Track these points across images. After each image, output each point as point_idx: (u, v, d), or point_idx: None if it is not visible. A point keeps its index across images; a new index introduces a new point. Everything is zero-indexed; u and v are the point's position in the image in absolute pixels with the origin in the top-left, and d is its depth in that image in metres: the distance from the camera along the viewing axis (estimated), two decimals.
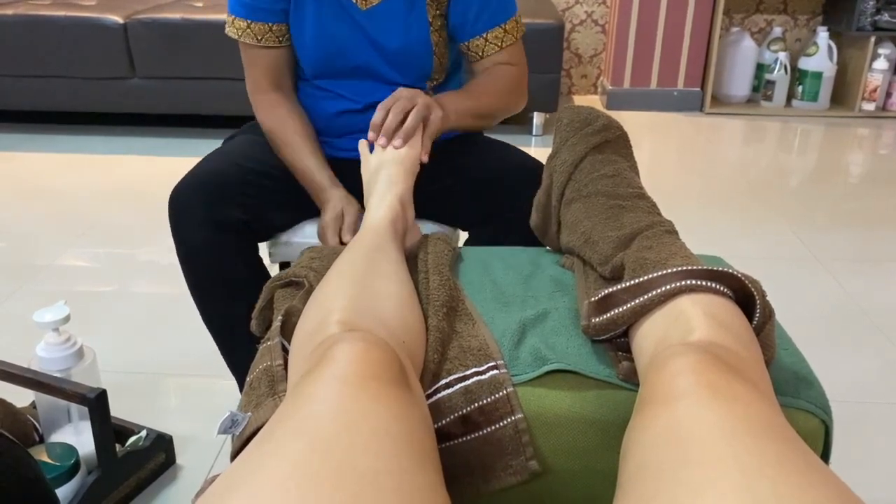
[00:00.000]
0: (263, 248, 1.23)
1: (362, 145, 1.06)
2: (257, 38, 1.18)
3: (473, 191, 1.17)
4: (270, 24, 1.17)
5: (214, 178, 1.12)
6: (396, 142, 1.01)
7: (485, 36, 1.18)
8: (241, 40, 1.19)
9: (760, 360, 0.61)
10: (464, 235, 1.24)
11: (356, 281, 0.72)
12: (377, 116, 1.03)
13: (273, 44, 1.19)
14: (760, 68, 3.54)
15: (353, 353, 0.54)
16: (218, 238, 1.10)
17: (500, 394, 0.67)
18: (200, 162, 1.17)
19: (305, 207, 1.24)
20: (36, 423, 1.21)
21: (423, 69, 1.21)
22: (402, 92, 1.05)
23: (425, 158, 1.03)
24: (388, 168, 1.00)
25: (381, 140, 1.02)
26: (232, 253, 1.11)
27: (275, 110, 1.21)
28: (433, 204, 1.19)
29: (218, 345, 1.22)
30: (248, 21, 1.17)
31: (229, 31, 1.20)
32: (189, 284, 1.15)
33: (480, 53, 1.20)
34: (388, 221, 0.91)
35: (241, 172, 1.14)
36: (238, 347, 1.20)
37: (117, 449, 1.17)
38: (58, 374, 1.13)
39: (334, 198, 1.11)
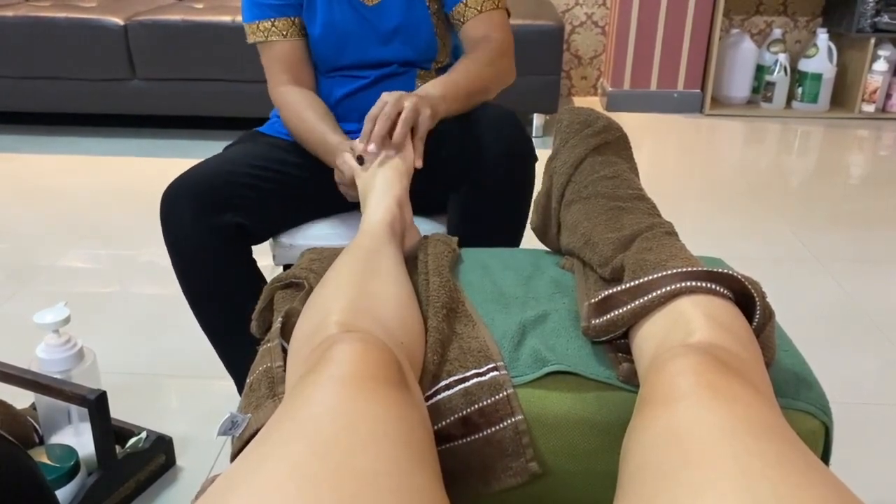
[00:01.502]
0: (265, 250, 1.23)
1: (350, 159, 1.06)
2: (283, 34, 1.23)
3: (456, 145, 1.14)
4: (293, 18, 1.23)
5: (206, 179, 1.12)
6: (389, 151, 1.02)
7: (465, 1, 1.22)
8: (268, 40, 1.24)
9: (760, 362, 0.61)
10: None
11: (354, 282, 0.72)
12: (366, 127, 1.03)
13: (296, 36, 1.24)
14: (760, 70, 3.54)
15: (351, 354, 0.54)
16: (208, 239, 1.09)
17: (501, 395, 0.67)
18: (194, 165, 1.17)
19: (306, 211, 1.24)
20: (36, 425, 1.21)
21: (428, 52, 1.26)
22: (385, 97, 1.03)
23: (419, 164, 1.03)
24: (383, 172, 1.00)
25: (371, 146, 1.01)
26: (223, 254, 1.11)
27: (292, 97, 1.24)
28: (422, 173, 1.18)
29: (213, 345, 1.22)
30: (273, 20, 1.23)
31: (253, 37, 1.25)
32: (182, 286, 1.15)
33: (462, 19, 1.24)
34: (385, 223, 0.91)
35: (234, 175, 1.14)
36: (233, 348, 1.20)
37: (117, 450, 1.16)
38: (58, 376, 1.13)
39: (342, 157, 1.10)
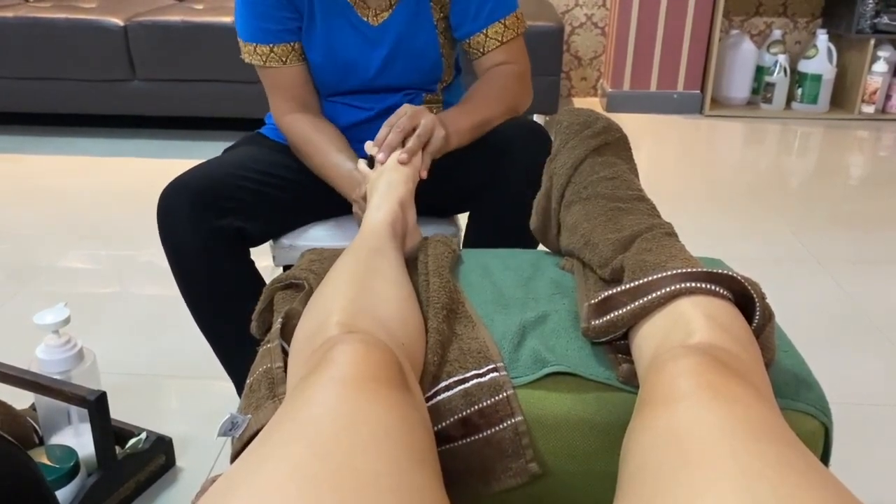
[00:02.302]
0: (264, 251, 1.23)
1: (362, 164, 1.07)
2: (282, 60, 1.18)
3: (477, 157, 1.15)
4: (292, 44, 1.18)
5: (204, 181, 1.11)
6: (402, 156, 1.01)
7: (485, 32, 1.18)
8: (266, 65, 1.19)
9: (760, 363, 0.61)
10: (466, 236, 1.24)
11: (355, 283, 0.72)
12: (381, 133, 1.04)
13: (296, 62, 1.19)
14: (760, 71, 3.54)
15: (352, 355, 0.54)
16: (206, 240, 1.09)
17: (500, 396, 0.67)
18: (194, 167, 1.16)
19: (304, 215, 1.24)
20: (36, 426, 1.21)
21: (434, 73, 1.23)
22: (406, 109, 1.06)
23: (424, 174, 1.04)
24: (388, 174, 1.00)
25: (381, 156, 1.03)
26: (221, 256, 1.11)
27: (304, 126, 1.20)
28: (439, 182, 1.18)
29: (212, 346, 1.22)
30: (271, 45, 1.17)
31: (251, 58, 1.20)
32: (179, 286, 1.15)
33: (481, 50, 1.20)
34: (387, 224, 0.91)
35: (232, 178, 1.13)
36: (232, 349, 1.20)
37: (117, 451, 1.17)
38: (58, 376, 1.13)
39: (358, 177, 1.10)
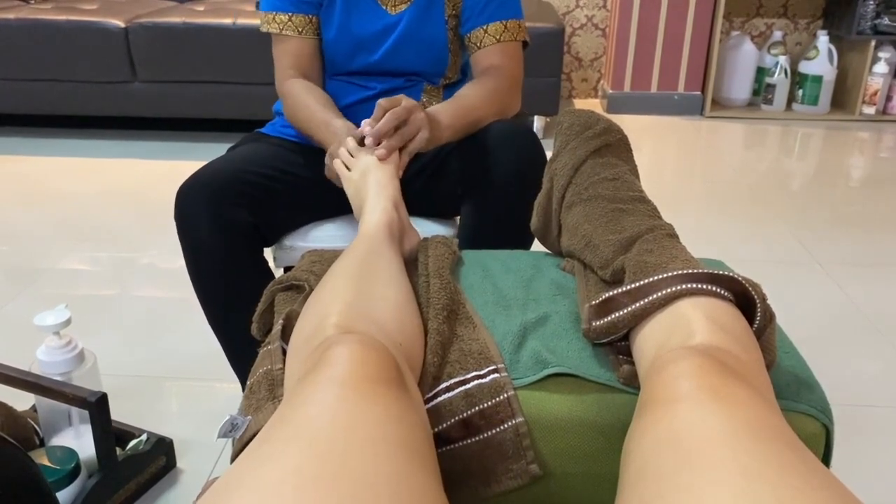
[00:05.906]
0: (265, 254, 1.23)
1: (338, 164, 1.08)
2: (298, 30, 1.24)
3: (465, 158, 1.17)
4: (311, 16, 1.24)
5: (220, 177, 1.12)
6: (381, 151, 1.03)
7: (485, 28, 1.23)
8: (282, 33, 1.25)
9: (761, 364, 0.61)
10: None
11: (353, 284, 0.72)
12: (377, 112, 1.06)
13: (311, 35, 1.25)
14: (761, 72, 3.54)
15: (349, 356, 0.54)
16: (224, 238, 1.10)
17: (501, 397, 0.67)
18: (206, 164, 1.17)
19: (312, 212, 1.25)
20: (36, 427, 1.21)
21: (439, 64, 1.27)
22: (400, 99, 1.07)
23: (399, 174, 1.05)
24: (374, 173, 1.01)
25: (369, 140, 1.05)
26: (238, 253, 1.11)
27: (297, 87, 1.25)
28: (428, 186, 1.20)
29: (222, 345, 1.22)
30: (290, 14, 1.24)
31: (269, 27, 1.26)
32: (194, 285, 1.15)
33: (478, 44, 1.24)
34: (383, 225, 0.91)
35: (246, 175, 1.15)
36: (242, 350, 1.20)
37: (118, 452, 1.17)
38: (58, 378, 1.13)
39: (341, 131, 1.13)
